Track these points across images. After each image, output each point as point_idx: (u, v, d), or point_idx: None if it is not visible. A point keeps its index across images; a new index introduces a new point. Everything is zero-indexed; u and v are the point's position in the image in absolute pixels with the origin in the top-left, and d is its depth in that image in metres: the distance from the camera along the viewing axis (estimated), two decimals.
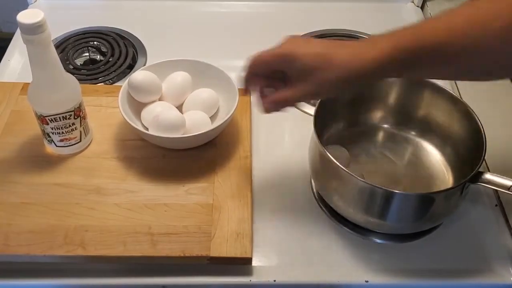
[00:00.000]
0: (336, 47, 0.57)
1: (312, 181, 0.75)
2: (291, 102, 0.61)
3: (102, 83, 0.90)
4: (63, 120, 0.70)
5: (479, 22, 0.52)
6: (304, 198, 0.74)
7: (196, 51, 0.89)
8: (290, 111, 0.85)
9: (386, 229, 0.69)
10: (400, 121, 0.79)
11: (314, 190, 0.74)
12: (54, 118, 0.69)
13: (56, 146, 0.73)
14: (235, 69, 0.92)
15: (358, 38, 1.00)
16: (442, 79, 0.73)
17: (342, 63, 0.56)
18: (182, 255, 0.64)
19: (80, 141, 0.74)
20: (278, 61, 0.59)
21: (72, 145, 0.74)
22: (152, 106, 0.77)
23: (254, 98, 0.64)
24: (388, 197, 0.63)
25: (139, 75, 0.76)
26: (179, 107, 0.78)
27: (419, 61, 0.54)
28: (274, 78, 0.62)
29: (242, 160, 0.75)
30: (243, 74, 0.63)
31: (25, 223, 0.66)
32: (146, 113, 0.76)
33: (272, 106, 0.62)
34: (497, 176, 0.62)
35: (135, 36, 1.00)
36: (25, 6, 1.03)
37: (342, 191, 0.66)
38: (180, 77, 0.78)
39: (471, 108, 0.69)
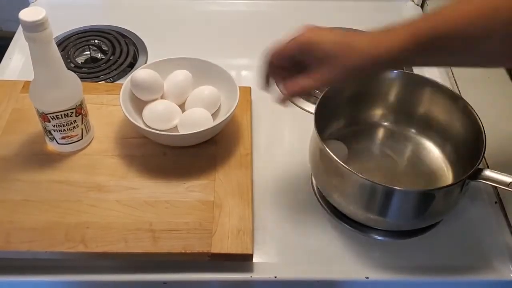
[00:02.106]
0: (354, 35, 0.58)
1: (313, 178, 0.75)
2: (311, 88, 0.61)
3: (103, 81, 0.91)
4: (65, 117, 0.70)
5: (491, 9, 0.52)
6: (304, 195, 0.74)
7: (196, 49, 0.89)
8: (291, 109, 0.87)
9: (386, 226, 0.69)
10: (400, 118, 0.79)
11: (315, 187, 0.75)
12: (55, 116, 0.70)
13: (58, 143, 0.73)
14: (235, 67, 0.93)
15: None
16: (454, 66, 0.75)
17: (360, 50, 0.56)
18: (183, 251, 0.64)
19: (82, 138, 0.74)
20: (299, 50, 0.60)
21: (73, 142, 0.74)
22: (153, 104, 0.77)
23: (272, 90, 0.64)
24: (388, 194, 0.63)
25: (142, 73, 0.76)
26: (181, 106, 0.79)
27: (435, 48, 0.55)
28: (292, 70, 0.61)
29: (243, 157, 0.75)
30: (262, 67, 0.63)
31: (27, 220, 0.66)
32: (148, 111, 0.76)
33: (293, 93, 0.62)
34: (497, 172, 0.63)
35: (136, 35, 1.00)
36: (26, 5, 1.03)
37: (343, 188, 0.67)
38: (181, 75, 0.79)
39: (471, 106, 0.69)
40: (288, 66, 0.62)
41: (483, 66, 0.65)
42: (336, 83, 0.66)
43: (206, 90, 0.78)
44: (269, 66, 0.63)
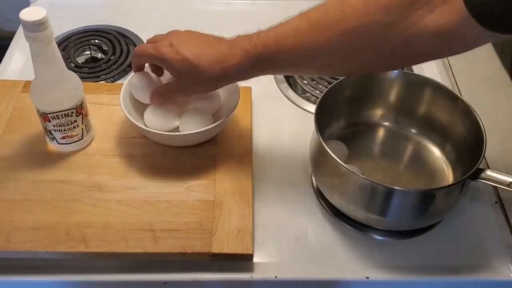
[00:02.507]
0: (203, 52, 0.65)
1: (313, 178, 0.75)
2: (174, 96, 0.73)
3: (103, 81, 0.91)
4: (65, 117, 0.70)
5: (326, 26, 0.57)
6: (304, 195, 0.74)
7: None
8: (291, 109, 0.87)
9: (386, 225, 0.69)
10: (401, 119, 0.79)
11: (315, 187, 0.75)
12: (56, 116, 0.70)
13: (58, 143, 0.74)
14: None
15: None
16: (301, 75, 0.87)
17: (206, 70, 0.65)
18: (183, 251, 0.64)
19: (82, 138, 0.74)
20: (154, 61, 0.70)
21: (73, 142, 0.74)
22: (153, 106, 0.77)
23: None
24: (389, 194, 0.63)
25: (139, 75, 0.75)
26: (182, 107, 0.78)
27: (270, 66, 0.64)
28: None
29: (243, 157, 0.75)
30: (132, 61, 0.73)
31: (27, 219, 0.66)
32: (149, 113, 0.76)
33: (157, 100, 0.73)
34: (497, 172, 0.63)
35: (136, 35, 1.01)
36: (26, 4, 1.02)
37: (343, 188, 0.67)
38: None
39: (471, 106, 0.70)
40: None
41: (324, 75, 0.78)
42: (194, 93, 0.74)
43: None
44: (135, 62, 0.73)
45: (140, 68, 0.74)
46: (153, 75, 0.76)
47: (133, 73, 0.75)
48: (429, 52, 0.56)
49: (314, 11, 0.60)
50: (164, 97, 0.73)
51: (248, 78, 0.67)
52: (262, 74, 0.66)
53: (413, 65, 0.86)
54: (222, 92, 0.79)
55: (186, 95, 0.73)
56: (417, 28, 0.52)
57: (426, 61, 0.60)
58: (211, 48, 0.66)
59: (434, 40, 0.52)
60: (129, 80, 0.76)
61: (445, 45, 0.54)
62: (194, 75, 0.66)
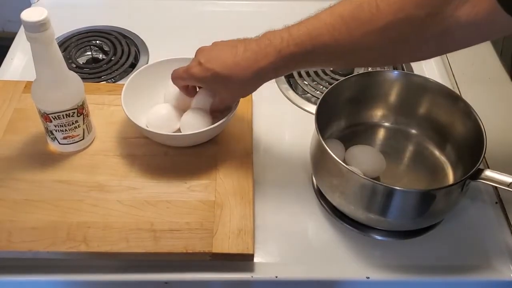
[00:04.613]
0: (229, 60, 0.66)
1: (313, 178, 0.75)
2: (220, 107, 0.74)
3: (104, 82, 0.91)
4: (66, 117, 0.70)
5: (362, 22, 0.57)
6: (305, 195, 0.74)
7: None
8: (291, 109, 0.87)
9: (386, 226, 0.69)
10: (401, 119, 0.79)
11: (315, 187, 0.75)
12: (57, 116, 0.70)
13: (59, 143, 0.74)
14: None
15: None
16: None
17: (238, 77, 0.66)
18: (184, 251, 0.64)
19: (83, 138, 0.75)
20: (188, 82, 0.73)
21: (75, 142, 0.74)
22: (156, 109, 0.77)
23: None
24: (389, 194, 0.64)
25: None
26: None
27: (304, 63, 0.64)
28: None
29: (244, 157, 0.75)
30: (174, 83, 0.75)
31: (28, 219, 0.67)
32: (151, 116, 0.76)
33: (213, 114, 0.75)
34: (497, 173, 0.63)
35: (137, 35, 1.01)
36: (27, 5, 1.03)
37: (343, 188, 0.67)
38: None
39: (471, 106, 0.70)
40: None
41: (357, 67, 0.78)
42: (234, 101, 0.75)
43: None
44: (176, 84, 0.75)
45: (185, 88, 0.75)
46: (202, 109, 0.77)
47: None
48: (463, 41, 0.57)
49: (346, 6, 0.59)
50: (217, 112, 0.74)
51: (283, 75, 0.67)
52: (296, 70, 0.68)
53: (446, 53, 0.89)
54: None
55: (231, 103, 0.74)
56: (452, 20, 0.53)
57: (458, 49, 0.60)
58: (238, 55, 0.66)
59: (468, 30, 0.54)
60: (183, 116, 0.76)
61: (478, 34, 0.55)
62: (229, 85, 0.68)
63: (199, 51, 0.71)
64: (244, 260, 0.66)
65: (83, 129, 0.74)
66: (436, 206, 0.65)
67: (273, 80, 0.92)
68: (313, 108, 0.85)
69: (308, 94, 0.90)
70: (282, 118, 0.86)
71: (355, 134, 0.79)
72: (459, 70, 0.93)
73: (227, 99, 0.73)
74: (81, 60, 0.97)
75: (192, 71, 0.69)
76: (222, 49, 0.68)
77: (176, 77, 0.73)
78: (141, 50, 0.98)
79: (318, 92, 0.90)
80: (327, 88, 0.78)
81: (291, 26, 0.63)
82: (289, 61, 0.63)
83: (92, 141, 0.77)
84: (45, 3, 1.06)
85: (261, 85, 0.69)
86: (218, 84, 0.69)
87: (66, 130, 0.72)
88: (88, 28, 1.02)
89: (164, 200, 0.69)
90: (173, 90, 0.78)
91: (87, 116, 0.74)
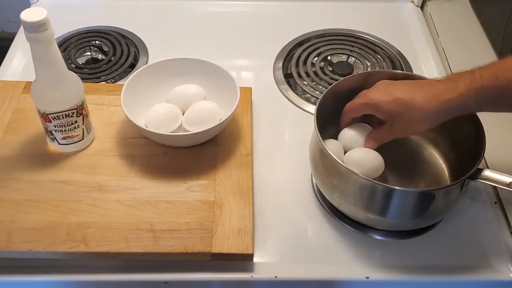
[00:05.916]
0: (416, 91, 0.64)
1: (313, 178, 0.75)
2: (386, 140, 0.70)
3: (104, 82, 0.91)
4: (66, 118, 0.70)
5: None
6: (304, 195, 0.74)
7: (197, 50, 0.89)
8: (291, 110, 0.87)
9: (386, 225, 0.69)
10: None
11: (315, 187, 0.75)
12: (56, 116, 0.70)
13: (59, 143, 0.74)
14: (236, 67, 0.93)
15: (357, 37, 1.01)
16: None
17: (421, 106, 0.63)
18: (184, 251, 0.64)
19: (83, 138, 0.75)
20: (366, 110, 0.69)
21: (74, 142, 0.74)
22: (155, 108, 0.77)
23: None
24: (388, 194, 0.64)
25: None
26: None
27: (495, 101, 0.61)
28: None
29: (243, 157, 0.75)
30: (342, 120, 0.73)
31: (28, 220, 0.67)
32: (150, 115, 0.76)
33: (372, 144, 0.71)
34: (497, 172, 0.63)
35: (136, 36, 1.01)
36: (27, 5, 1.03)
37: (343, 188, 0.67)
38: (193, 89, 0.79)
39: None
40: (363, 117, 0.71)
41: None
42: (406, 135, 0.72)
43: (208, 105, 0.78)
44: (347, 119, 0.72)
45: (348, 125, 0.73)
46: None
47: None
48: None
49: None
50: (377, 141, 0.70)
51: (470, 112, 0.65)
52: (484, 110, 0.64)
53: None
54: (222, 92, 0.79)
55: (398, 136, 0.70)
56: None
57: None
58: (423, 87, 0.64)
59: None
60: (341, 134, 0.74)
61: None
62: (409, 113, 0.64)
63: (379, 84, 0.69)
64: (243, 260, 0.66)
65: (83, 129, 0.74)
66: (435, 206, 0.65)
67: (273, 80, 0.92)
68: (312, 108, 0.85)
69: (308, 94, 0.90)
70: (281, 118, 0.86)
71: None
72: (458, 70, 0.92)
73: (397, 131, 0.68)
74: (81, 61, 0.97)
75: (372, 96, 0.67)
76: (405, 82, 0.67)
77: (352, 107, 0.70)
78: (141, 50, 0.98)
79: (317, 92, 0.90)
80: (326, 88, 0.78)
81: (480, 66, 0.61)
82: (480, 95, 0.60)
83: (91, 141, 0.77)
84: (44, 4, 1.07)
85: (442, 121, 0.64)
86: (396, 111, 0.65)
87: (65, 130, 0.72)
88: (87, 28, 1.02)
89: (164, 200, 0.69)
90: (175, 92, 0.78)
91: (87, 117, 0.74)
